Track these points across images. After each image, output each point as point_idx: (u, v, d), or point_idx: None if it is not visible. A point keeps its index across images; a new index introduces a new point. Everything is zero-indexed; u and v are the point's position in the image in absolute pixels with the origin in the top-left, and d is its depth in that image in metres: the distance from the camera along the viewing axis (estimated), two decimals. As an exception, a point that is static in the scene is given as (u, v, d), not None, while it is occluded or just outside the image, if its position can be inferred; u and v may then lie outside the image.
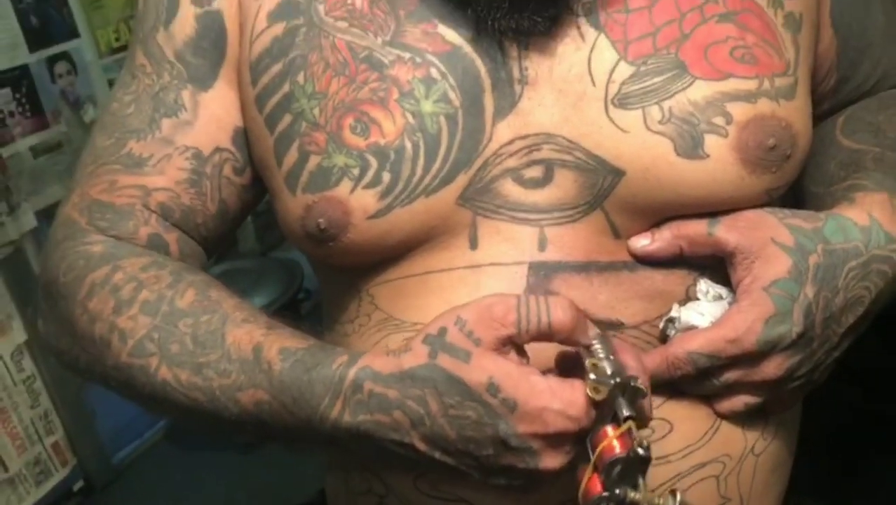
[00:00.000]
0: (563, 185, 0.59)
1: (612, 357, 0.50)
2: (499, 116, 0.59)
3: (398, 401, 0.50)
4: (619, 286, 0.60)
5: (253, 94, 0.63)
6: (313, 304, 2.13)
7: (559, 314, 0.50)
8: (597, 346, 0.52)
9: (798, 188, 0.67)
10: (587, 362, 0.49)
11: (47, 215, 1.70)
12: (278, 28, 0.62)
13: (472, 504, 0.59)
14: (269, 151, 0.62)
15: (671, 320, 0.60)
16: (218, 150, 0.65)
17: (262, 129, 0.63)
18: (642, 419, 0.51)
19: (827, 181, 0.67)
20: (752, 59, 0.58)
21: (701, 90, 0.57)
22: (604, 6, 0.59)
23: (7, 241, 1.66)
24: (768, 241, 0.58)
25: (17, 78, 1.70)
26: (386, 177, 0.58)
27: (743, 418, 0.61)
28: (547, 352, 0.53)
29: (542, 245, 0.60)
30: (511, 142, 0.59)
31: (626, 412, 0.48)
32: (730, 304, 0.60)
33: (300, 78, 0.61)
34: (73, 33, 1.81)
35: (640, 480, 0.49)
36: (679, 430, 0.60)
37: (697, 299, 0.61)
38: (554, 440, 0.49)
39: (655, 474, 0.57)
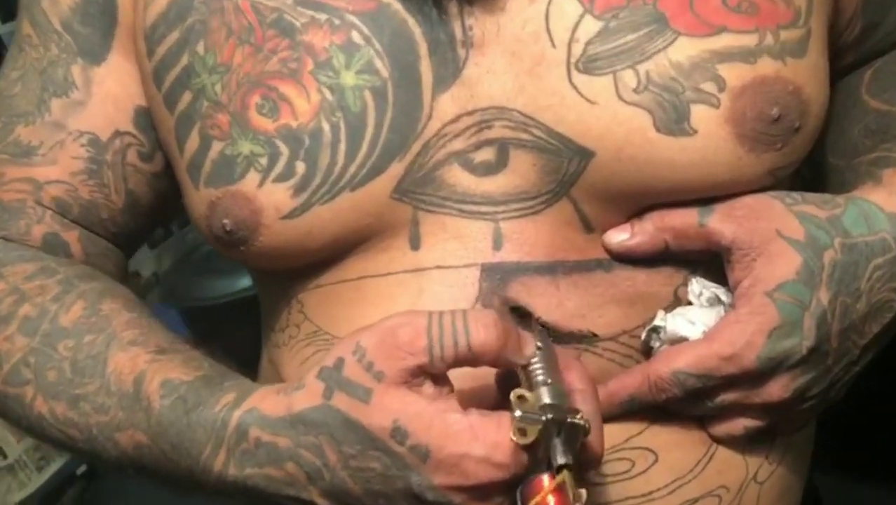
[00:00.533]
0: (521, 171, 0.49)
1: (550, 382, 0.41)
2: (439, 88, 0.48)
3: (290, 451, 0.41)
4: (591, 290, 0.50)
5: (150, 67, 0.53)
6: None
7: (481, 334, 0.41)
8: (535, 366, 0.42)
9: (815, 160, 0.55)
10: (512, 395, 0.40)
11: None
12: None
13: None
14: (171, 135, 0.53)
15: (655, 330, 0.50)
16: (118, 133, 0.56)
17: (161, 108, 0.53)
18: (588, 463, 0.42)
19: (850, 151, 0.56)
20: (752, 8, 0.46)
21: (685, 49, 0.46)
22: None
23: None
24: (773, 233, 0.47)
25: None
26: (300, 167, 0.48)
27: (743, 442, 0.51)
28: (483, 372, 0.44)
29: (497, 243, 0.50)
30: (456, 119, 0.49)
31: (560, 459, 0.39)
32: (728, 309, 0.50)
33: (200, 48, 0.50)
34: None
35: None
36: (665, 460, 0.50)
37: (689, 303, 0.51)
38: (478, 493, 0.40)
39: (637, 518, 0.48)
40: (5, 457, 1.64)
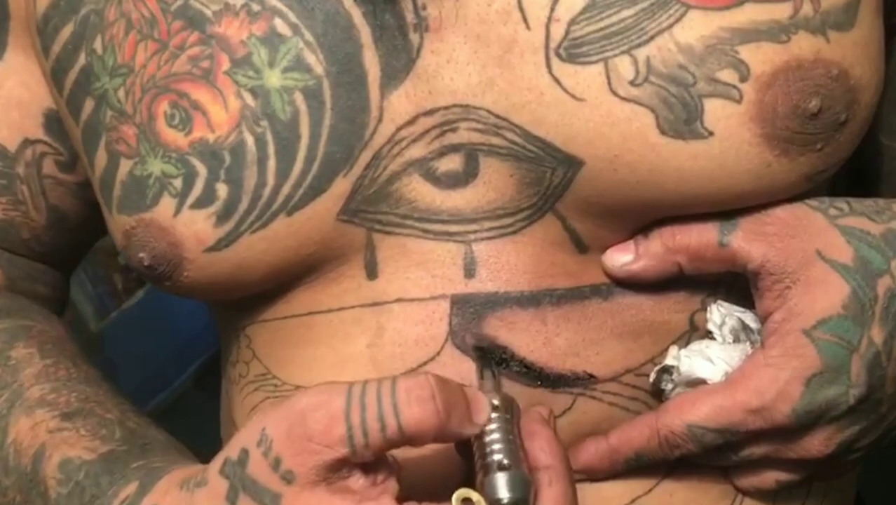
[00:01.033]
0: (494, 182, 0.40)
1: (508, 463, 0.34)
2: (389, 84, 0.39)
3: None
4: (586, 322, 0.41)
5: (48, 67, 0.44)
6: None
7: (414, 411, 0.32)
8: (491, 437, 0.35)
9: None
10: (455, 500, 0.32)
11: None
12: None
13: None
14: (80, 147, 0.44)
15: (666, 370, 0.41)
16: (28, 142, 0.48)
17: (67, 116, 0.45)
18: None
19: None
20: None
21: (697, 26, 0.36)
22: None
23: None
24: (812, 255, 0.38)
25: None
26: (222, 190, 0.40)
27: (775, 493, 0.42)
28: None
29: (469, 269, 0.41)
30: (412, 120, 0.39)
31: None
32: (756, 341, 0.41)
33: (97, 44, 0.41)
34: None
35: None
36: None
37: (707, 333, 0.42)
38: None
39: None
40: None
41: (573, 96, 0.37)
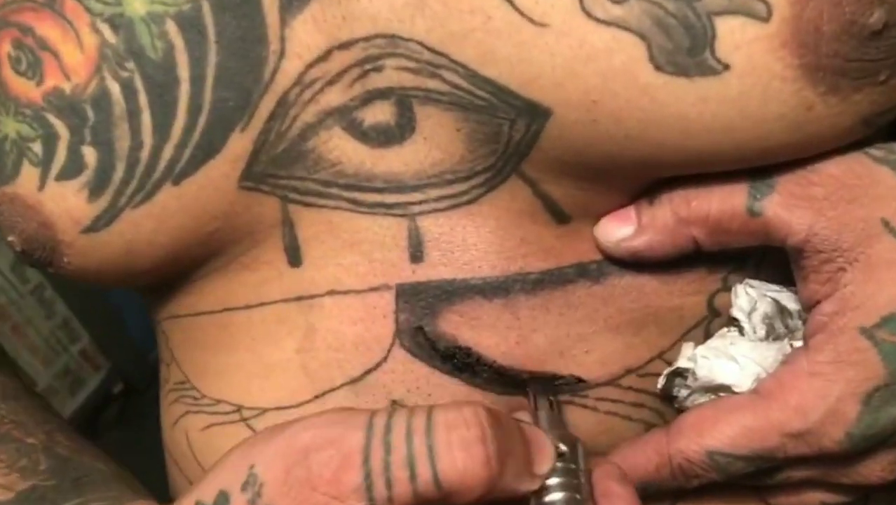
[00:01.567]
0: (438, 138, 0.30)
1: None
2: (290, 7, 0.29)
3: None
4: (571, 313, 0.32)
5: None
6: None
7: (456, 460, 0.25)
8: (554, 496, 0.27)
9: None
10: None
11: None
12: None
13: None
14: None
15: (679, 374, 0.31)
16: None
17: None
18: None
19: None
20: None
21: None
22: None
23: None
24: (876, 226, 0.28)
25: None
26: (90, 155, 0.30)
27: None
28: None
29: (416, 251, 0.31)
30: (325, 56, 0.29)
31: None
32: (795, 331, 0.31)
33: None
34: None
35: None
36: None
37: (732, 322, 0.32)
38: None
39: None
40: (36, 385, 1.59)
41: (531, 20, 0.26)
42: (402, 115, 0.29)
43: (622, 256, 0.31)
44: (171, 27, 0.29)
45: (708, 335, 0.32)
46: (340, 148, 0.30)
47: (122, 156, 0.30)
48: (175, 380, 0.38)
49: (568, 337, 0.31)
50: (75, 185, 0.31)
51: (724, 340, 0.31)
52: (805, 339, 0.29)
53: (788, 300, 0.32)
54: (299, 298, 0.33)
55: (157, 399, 0.41)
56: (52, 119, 0.30)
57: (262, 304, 0.33)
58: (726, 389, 0.30)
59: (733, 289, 0.32)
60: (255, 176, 0.31)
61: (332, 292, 0.32)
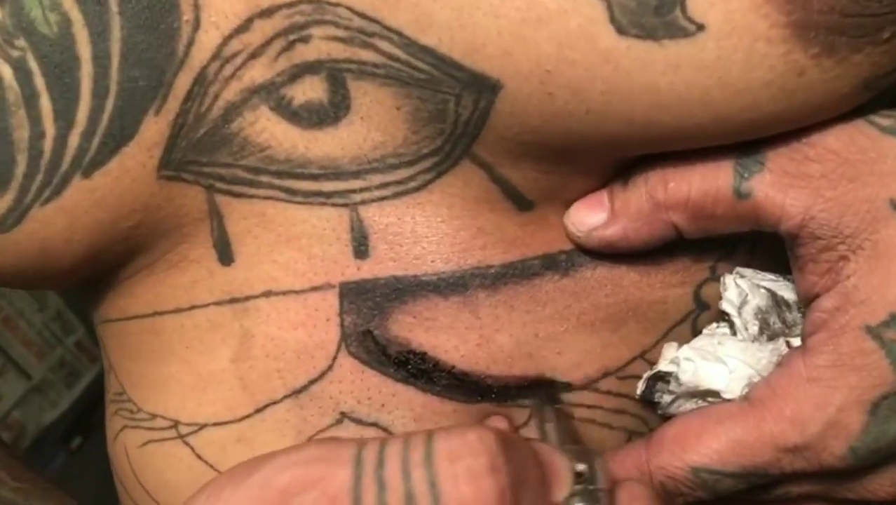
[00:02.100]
0: (377, 118, 0.26)
1: None
2: None
3: None
4: (539, 310, 0.28)
5: None
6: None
7: (464, 495, 0.21)
8: None
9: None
10: None
11: None
12: None
13: None
14: None
15: (661, 377, 0.28)
16: None
17: None
18: None
19: None
20: None
21: None
22: None
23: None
24: (883, 208, 0.24)
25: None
26: None
27: None
28: None
29: (360, 245, 0.28)
30: (246, 25, 0.26)
31: None
32: (793, 327, 0.27)
33: None
34: None
35: None
36: None
37: (722, 316, 0.28)
38: None
39: None
40: (29, 378, 1.56)
41: None
42: (334, 92, 0.26)
43: (595, 247, 0.27)
44: (67, 1, 0.25)
45: (696, 331, 0.29)
46: (269, 130, 0.27)
47: (23, 147, 0.27)
48: (114, 390, 0.34)
49: (536, 337, 0.28)
50: None
51: (711, 339, 0.27)
52: (803, 338, 0.25)
53: (786, 290, 0.28)
54: (233, 301, 0.29)
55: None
56: None
57: (194, 307, 0.30)
58: (714, 394, 0.27)
59: (721, 279, 0.28)
60: (174, 164, 0.27)
61: (268, 293, 0.29)
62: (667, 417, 0.28)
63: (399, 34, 0.24)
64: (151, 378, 0.32)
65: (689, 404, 0.28)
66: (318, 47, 0.25)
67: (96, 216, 0.28)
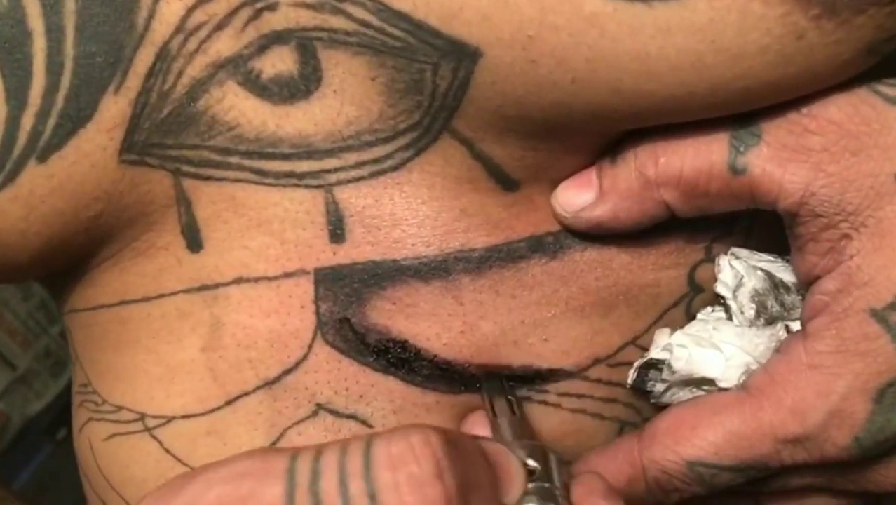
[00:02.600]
0: (350, 91, 0.25)
1: None
2: None
3: None
4: (526, 295, 0.27)
5: None
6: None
7: (405, 496, 0.20)
8: None
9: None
10: None
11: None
12: None
13: None
14: None
15: (653, 365, 0.26)
16: None
17: None
18: None
19: None
20: None
21: None
22: None
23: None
24: (888, 183, 0.22)
25: None
26: None
27: None
28: None
29: (336, 228, 0.26)
30: None
31: None
32: (792, 310, 0.26)
33: None
34: None
35: None
36: None
37: (718, 300, 0.27)
38: None
39: None
40: (14, 368, 1.54)
41: None
42: (305, 64, 0.24)
43: (584, 228, 0.26)
44: None
45: (690, 316, 0.27)
46: (237, 107, 0.25)
47: None
48: (79, 382, 0.33)
49: (523, 323, 0.27)
50: None
51: (705, 324, 0.26)
52: (802, 323, 0.24)
53: (784, 271, 0.26)
54: (202, 288, 0.28)
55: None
56: None
57: (162, 295, 0.28)
58: (709, 382, 0.25)
59: (716, 261, 0.27)
60: (137, 146, 0.26)
61: (239, 280, 0.27)
62: (661, 407, 0.27)
63: None
64: (117, 369, 0.30)
65: (684, 393, 0.26)
66: (287, 15, 0.23)
67: (54, 205, 0.26)
